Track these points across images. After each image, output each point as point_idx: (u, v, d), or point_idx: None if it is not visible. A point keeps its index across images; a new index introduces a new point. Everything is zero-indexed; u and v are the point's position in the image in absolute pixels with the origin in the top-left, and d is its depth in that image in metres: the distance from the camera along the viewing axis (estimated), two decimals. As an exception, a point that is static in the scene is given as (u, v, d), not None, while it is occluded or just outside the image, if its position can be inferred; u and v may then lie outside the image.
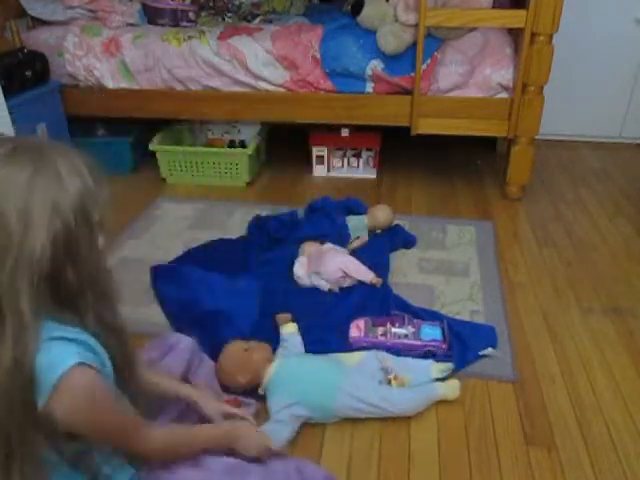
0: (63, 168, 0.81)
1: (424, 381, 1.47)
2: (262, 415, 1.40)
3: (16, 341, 0.77)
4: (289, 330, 1.61)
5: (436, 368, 1.50)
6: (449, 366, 1.51)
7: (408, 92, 2.42)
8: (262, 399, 1.43)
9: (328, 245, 1.98)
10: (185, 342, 1.39)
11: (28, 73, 2.43)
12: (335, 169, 2.83)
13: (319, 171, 2.82)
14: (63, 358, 0.81)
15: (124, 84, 2.62)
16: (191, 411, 1.23)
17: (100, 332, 0.89)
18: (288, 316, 1.65)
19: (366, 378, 1.43)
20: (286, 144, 3.08)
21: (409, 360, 1.53)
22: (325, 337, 1.63)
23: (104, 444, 0.94)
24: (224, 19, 2.89)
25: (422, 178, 2.77)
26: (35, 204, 0.76)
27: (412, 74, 2.36)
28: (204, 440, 1.12)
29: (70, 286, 0.83)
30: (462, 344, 1.61)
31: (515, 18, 2.22)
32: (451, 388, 1.45)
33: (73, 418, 0.84)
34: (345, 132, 2.76)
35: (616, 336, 1.70)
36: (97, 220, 0.85)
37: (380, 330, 1.63)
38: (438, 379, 1.48)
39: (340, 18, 2.57)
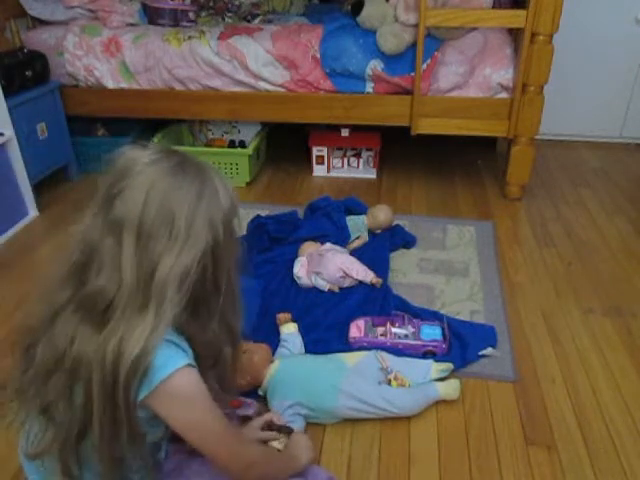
0: (219, 185, 0.90)
1: (424, 381, 1.47)
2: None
3: (151, 333, 0.82)
4: (289, 330, 1.61)
5: (436, 368, 1.50)
6: (449, 366, 1.51)
7: (408, 92, 2.42)
8: (262, 399, 1.43)
9: (328, 245, 1.98)
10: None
11: (28, 73, 2.43)
12: (335, 169, 2.83)
13: (319, 171, 2.82)
14: (175, 359, 0.86)
15: (124, 84, 2.62)
16: None
17: (219, 335, 0.96)
18: (288, 316, 1.65)
19: (366, 378, 1.43)
20: (286, 144, 3.08)
21: (409, 360, 1.53)
22: (325, 337, 1.63)
23: (205, 451, 0.94)
24: (224, 19, 2.89)
25: (422, 178, 2.77)
26: (199, 215, 0.85)
27: (412, 74, 2.36)
28: (285, 463, 1.14)
29: (206, 291, 0.91)
30: (462, 344, 1.61)
31: (515, 18, 2.22)
32: (451, 388, 1.45)
33: (178, 415, 0.88)
34: (345, 132, 2.76)
35: (616, 336, 1.70)
36: (236, 233, 0.94)
37: (380, 330, 1.63)
38: (438, 379, 1.48)
39: (340, 18, 2.57)
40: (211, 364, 0.98)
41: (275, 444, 1.26)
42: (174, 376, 0.85)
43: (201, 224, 0.85)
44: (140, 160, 0.86)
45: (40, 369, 0.88)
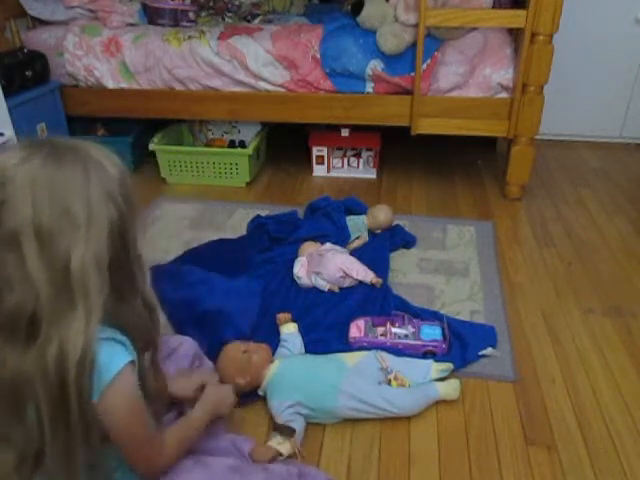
0: (101, 157, 0.85)
1: (424, 381, 1.47)
2: (264, 416, 1.40)
3: (87, 325, 0.80)
4: (289, 330, 1.61)
5: (436, 368, 1.50)
6: (449, 366, 1.51)
7: (408, 92, 2.42)
8: (262, 400, 1.44)
9: (328, 245, 1.98)
10: (187, 344, 1.39)
11: (28, 73, 2.43)
12: (335, 169, 2.83)
13: (319, 171, 2.82)
14: (118, 357, 0.86)
15: (124, 84, 2.62)
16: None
17: (145, 314, 0.93)
18: (288, 316, 1.65)
19: (366, 378, 1.43)
20: (286, 144, 3.08)
21: (409, 360, 1.53)
22: (325, 337, 1.63)
23: (127, 453, 0.95)
24: (224, 19, 2.89)
25: (422, 178, 2.77)
26: (94, 194, 0.81)
27: (412, 74, 2.36)
28: (197, 426, 1.13)
29: (124, 269, 0.87)
30: (462, 344, 1.61)
31: (515, 18, 2.22)
32: (451, 388, 1.45)
33: (116, 416, 0.88)
34: (345, 132, 2.76)
35: (616, 336, 1.70)
36: (132, 198, 0.89)
37: (380, 330, 1.63)
38: (438, 379, 1.48)
39: (340, 18, 2.57)
40: (143, 347, 0.96)
41: (274, 444, 1.26)
42: (119, 377, 0.85)
43: (99, 202, 0.82)
44: (8, 163, 0.80)
45: None
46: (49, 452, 0.84)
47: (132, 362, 0.88)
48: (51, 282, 0.79)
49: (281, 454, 1.25)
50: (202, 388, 1.22)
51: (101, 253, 0.82)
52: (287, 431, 1.28)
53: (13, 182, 0.78)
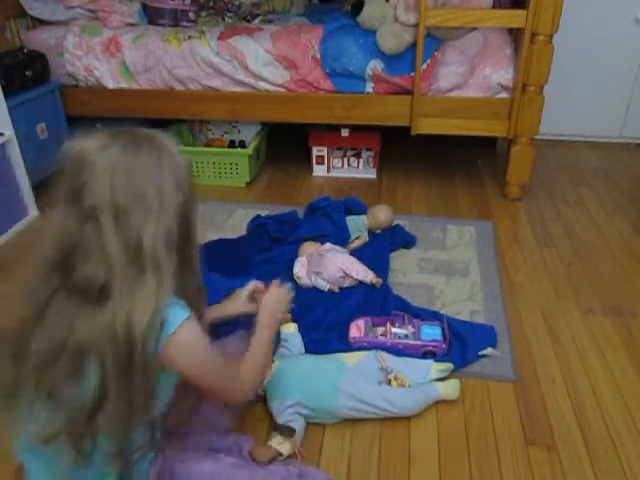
0: (172, 147, 0.94)
1: (424, 381, 1.47)
2: (264, 418, 1.40)
3: (157, 296, 0.89)
4: (289, 330, 1.61)
5: (436, 368, 1.50)
6: (449, 366, 1.51)
7: (408, 92, 2.42)
8: (262, 400, 1.44)
9: (328, 245, 1.98)
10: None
11: (28, 73, 2.43)
12: (335, 169, 2.83)
13: (319, 171, 2.82)
14: (180, 312, 0.94)
15: (124, 84, 2.62)
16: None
17: (196, 287, 1.03)
18: (288, 316, 1.65)
19: (366, 378, 1.43)
20: (286, 144, 3.08)
21: (409, 360, 1.53)
22: (325, 337, 1.63)
23: (211, 391, 1.06)
24: (224, 19, 2.89)
25: (422, 178, 2.77)
26: (165, 182, 0.90)
27: (412, 74, 2.36)
28: (263, 342, 1.23)
29: (186, 249, 0.97)
30: (462, 344, 1.61)
31: (515, 18, 2.22)
32: (451, 388, 1.45)
33: (187, 361, 0.96)
34: (345, 132, 2.76)
35: (616, 336, 1.70)
36: (193, 186, 0.99)
37: (380, 330, 1.63)
38: (438, 379, 1.48)
39: (340, 18, 2.57)
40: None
41: (274, 444, 1.26)
42: (181, 328, 0.92)
43: (169, 187, 0.90)
44: (91, 149, 0.89)
45: (40, 360, 0.89)
46: (109, 412, 0.89)
47: (191, 316, 0.95)
48: (125, 254, 0.87)
49: (281, 454, 1.25)
50: (252, 297, 1.36)
51: (170, 233, 0.91)
52: (287, 431, 1.28)
53: (94, 167, 0.87)
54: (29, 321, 0.92)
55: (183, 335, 0.93)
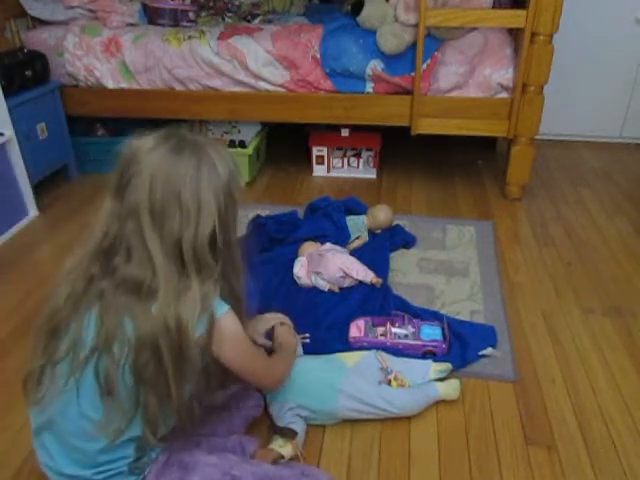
0: (216, 157, 0.97)
1: (423, 381, 1.47)
2: (264, 420, 1.40)
3: (203, 297, 0.95)
4: None
5: (435, 369, 1.50)
6: (447, 366, 1.51)
7: (408, 92, 2.42)
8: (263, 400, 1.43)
9: (328, 245, 1.98)
10: None
11: (28, 73, 2.43)
12: (335, 169, 2.83)
13: (319, 171, 2.82)
14: (221, 306, 1.01)
15: (124, 84, 2.62)
16: None
17: (238, 290, 1.09)
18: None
19: (366, 379, 1.43)
20: (286, 144, 3.08)
21: (408, 360, 1.53)
22: (325, 337, 1.63)
23: (251, 379, 1.18)
24: (224, 19, 2.89)
25: (422, 178, 2.77)
26: (203, 189, 0.93)
27: (412, 74, 2.36)
28: (291, 353, 1.38)
29: (228, 255, 1.01)
30: (462, 344, 1.61)
31: (515, 18, 2.22)
32: (451, 388, 1.45)
33: (227, 353, 1.03)
34: (345, 132, 2.76)
35: (616, 336, 1.70)
36: (236, 195, 1.02)
37: (380, 330, 1.63)
38: (437, 379, 1.48)
39: (340, 18, 2.57)
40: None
41: (275, 447, 1.26)
42: (222, 318, 0.99)
43: (206, 194, 0.94)
44: (142, 148, 0.94)
45: (92, 350, 0.95)
46: (159, 401, 0.97)
47: (230, 309, 1.02)
48: (164, 254, 0.93)
49: (283, 457, 1.25)
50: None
51: (208, 236, 0.94)
52: (289, 434, 1.28)
53: (140, 165, 0.93)
54: (63, 304, 0.98)
55: (227, 323, 1.00)
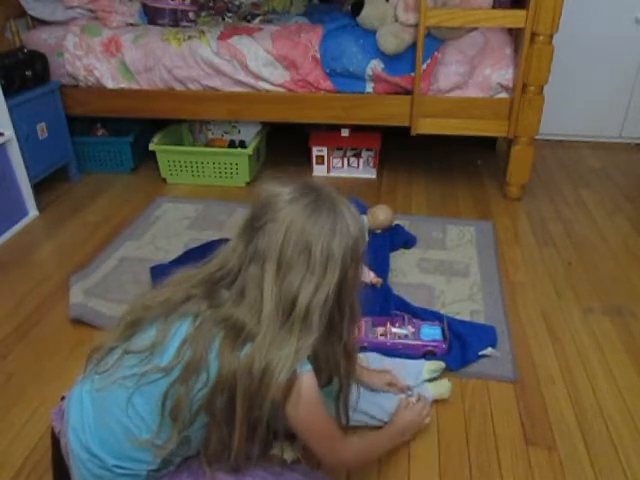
0: (349, 219, 0.97)
1: (416, 382, 1.45)
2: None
3: (295, 356, 0.93)
4: None
5: (427, 368, 1.49)
6: (440, 365, 1.51)
7: (408, 92, 2.42)
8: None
9: (328, 245, 1.98)
10: None
11: (28, 73, 2.43)
12: (335, 169, 2.83)
13: (319, 171, 2.82)
14: (304, 364, 0.96)
15: (124, 84, 2.62)
16: None
17: (341, 356, 1.05)
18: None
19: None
20: (286, 144, 3.08)
21: (402, 361, 1.52)
22: (325, 337, 1.63)
23: (311, 445, 1.06)
24: (224, 19, 2.89)
25: (422, 178, 2.77)
26: (334, 248, 0.93)
27: (412, 74, 2.36)
28: (380, 446, 1.25)
29: (337, 318, 0.99)
30: (462, 344, 1.61)
31: (515, 18, 2.22)
32: (443, 387, 1.45)
33: (299, 413, 0.97)
34: (345, 132, 2.77)
35: (616, 336, 1.70)
36: (361, 260, 1.01)
37: (380, 330, 1.63)
38: (430, 379, 1.48)
39: (340, 18, 2.57)
40: (326, 381, 1.09)
41: (276, 451, 1.25)
42: (304, 376, 0.95)
43: (335, 256, 0.93)
44: (282, 197, 0.95)
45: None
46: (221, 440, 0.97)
47: (312, 371, 0.98)
48: (276, 306, 0.92)
49: (285, 461, 1.25)
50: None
51: (327, 298, 0.93)
52: (289, 437, 1.27)
53: (277, 214, 0.93)
54: (157, 304, 1.00)
55: (308, 383, 0.97)
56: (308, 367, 0.96)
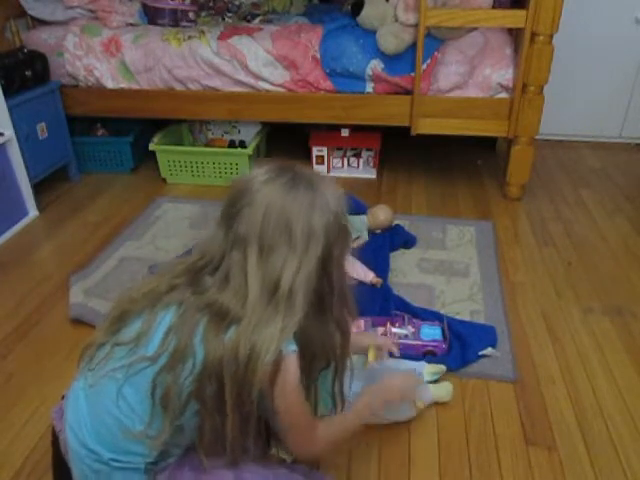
0: (328, 193, 0.95)
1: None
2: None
3: (280, 335, 0.91)
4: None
5: (428, 371, 1.49)
6: (441, 368, 1.51)
7: (408, 92, 2.42)
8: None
9: (328, 245, 1.98)
10: None
11: (28, 73, 2.43)
12: (335, 169, 2.83)
13: (319, 171, 2.82)
14: (288, 345, 0.94)
15: (124, 84, 2.62)
16: None
17: (336, 336, 1.04)
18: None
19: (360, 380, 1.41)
20: (286, 144, 3.08)
21: (402, 361, 1.52)
22: (325, 337, 1.63)
23: (288, 434, 1.04)
24: (224, 19, 2.89)
25: (422, 178, 2.77)
26: (314, 224, 0.92)
27: (412, 74, 2.36)
28: (354, 417, 1.17)
29: (324, 295, 0.98)
30: (462, 344, 1.61)
31: (515, 18, 2.22)
32: (444, 390, 1.45)
33: (284, 394, 0.96)
34: (345, 132, 2.77)
35: (616, 336, 1.70)
36: (346, 232, 1.00)
37: (380, 330, 1.63)
38: (431, 381, 1.47)
39: (340, 18, 2.57)
40: (323, 366, 1.06)
41: (275, 452, 1.25)
42: (287, 358, 0.93)
43: (317, 233, 0.92)
44: (257, 179, 0.94)
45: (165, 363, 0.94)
46: (217, 427, 0.95)
47: (296, 352, 0.95)
48: (261, 289, 0.91)
49: (284, 460, 1.25)
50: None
51: (310, 277, 0.92)
52: None
53: (254, 195, 0.92)
54: (142, 296, 1.00)
55: (289, 364, 0.95)
56: (293, 347, 0.95)
